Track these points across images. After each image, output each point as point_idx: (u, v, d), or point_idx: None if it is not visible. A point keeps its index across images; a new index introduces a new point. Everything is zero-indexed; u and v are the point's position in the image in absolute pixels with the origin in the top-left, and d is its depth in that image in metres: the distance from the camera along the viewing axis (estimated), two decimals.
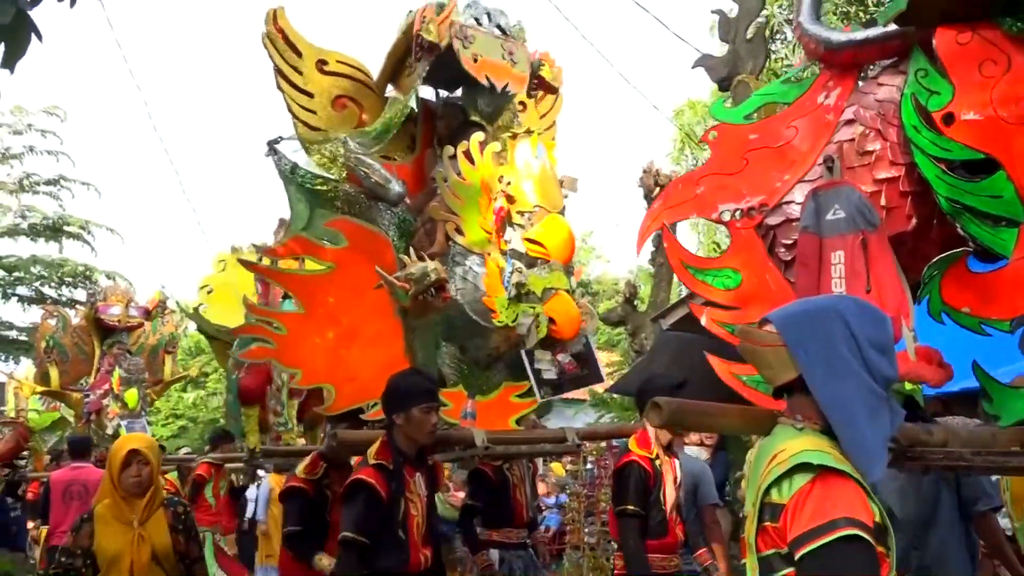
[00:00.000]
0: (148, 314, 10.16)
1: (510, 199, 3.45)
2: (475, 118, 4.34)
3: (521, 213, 3.42)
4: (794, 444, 1.60)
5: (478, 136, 3.83)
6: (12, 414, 11.17)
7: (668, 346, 8.97)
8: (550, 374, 3.37)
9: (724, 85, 3.72)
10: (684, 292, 10.42)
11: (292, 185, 3.94)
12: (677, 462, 3.77)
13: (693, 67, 4.42)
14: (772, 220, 2.95)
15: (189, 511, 3.44)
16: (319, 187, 3.88)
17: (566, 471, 9.85)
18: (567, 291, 3.46)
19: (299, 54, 4.05)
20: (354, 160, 3.80)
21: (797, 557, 1.50)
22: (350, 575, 3.03)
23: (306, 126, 4.03)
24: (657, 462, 3.62)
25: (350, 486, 3.11)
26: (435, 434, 3.17)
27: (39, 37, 2.55)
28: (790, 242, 2.90)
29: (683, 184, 3.16)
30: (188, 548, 3.32)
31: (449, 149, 3.85)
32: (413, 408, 3.09)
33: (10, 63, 2.52)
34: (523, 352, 3.49)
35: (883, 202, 2.79)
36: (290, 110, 4.02)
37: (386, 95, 4.37)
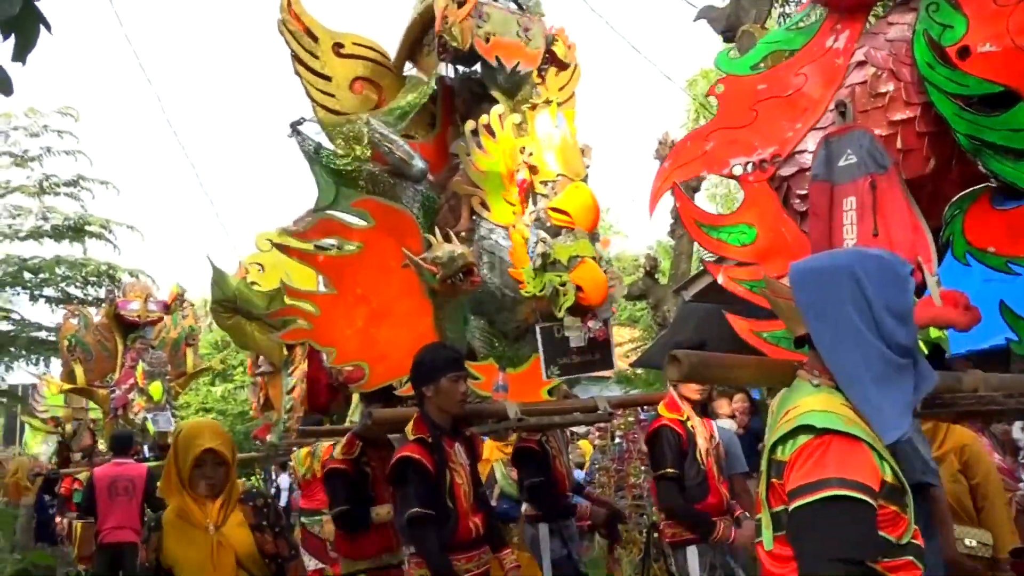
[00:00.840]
0: (167, 308, 10.30)
1: (532, 169, 3.44)
2: (494, 92, 4.31)
3: (544, 183, 3.40)
4: (807, 402, 1.59)
5: (498, 109, 3.84)
6: (61, 413, 11.35)
7: (691, 317, 8.91)
8: (578, 341, 3.35)
9: (728, 36, 3.62)
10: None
11: (317, 165, 3.95)
12: (713, 423, 3.73)
13: (695, 19, 4.28)
14: (785, 171, 2.89)
15: (271, 503, 2.95)
16: (342, 167, 3.88)
17: (594, 447, 9.83)
18: (593, 258, 3.43)
19: (315, 39, 4.06)
20: (378, 136, 3.80)
21: (789, 512, 1.50)
22: (431, 549, 3.01)
23: (326, 110, 4.04)
24: (689, 423, 3.60)
25: (397, 465, 3.10)
26: (465, 403, 3.17)
27: (48, 28, 2.51)
28: (805, 192, 2.84)
29: (692, 141, 3.10)
30: (278, 546, 2.83)
31: (471, 123, 3.85)
32: (441, 379, 3.09)
33: (21, 55, 2.49)
34: (537, 328, 3.47)
35: (899, 145, 2.72)
36: (309, 95, 4.03)
37: (404, 74, 4.38)
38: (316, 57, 4.06)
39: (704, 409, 3.67)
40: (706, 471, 3.58)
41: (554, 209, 3.36)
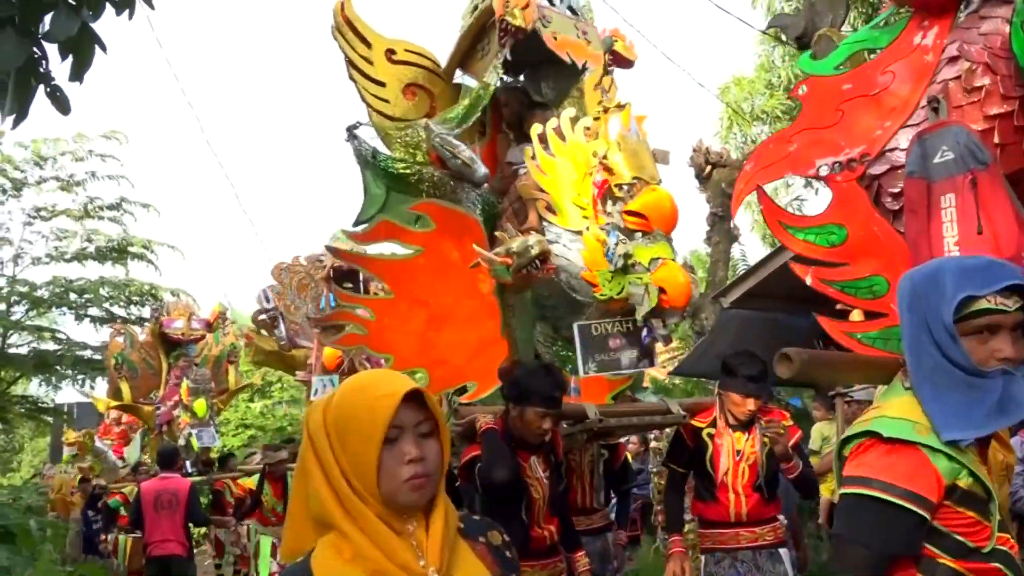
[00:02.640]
0: (210, 326, 10.36)
1: (609, 172, 3.30)
2: (539, 99, 4.25)
3: (619, 186, 3.27)
4: (889, 406, 1.61)
5: (568, 112, 3.70)
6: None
7: (730, 325, 8.77)
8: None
9: (803, 43, 3.54)
10: (741, 270, 10.17)
11: (370, 170, 3.83)
12: (748, 437, 3.60)
13: (768, 27, 4.18)
14: (876, 170, 2.79)
15: (510, 540, 1.52)
16: (402, 171, 3.77)
17: (630, 455, 9.69)
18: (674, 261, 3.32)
19: (368, 44, 3.98)
20: (439, 141, 3.69)
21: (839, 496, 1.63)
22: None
23: (381, 115, 3.95)
24: (705, 432, 3.60)
25: (465, 465, 3.14)
26: (544, 436, 3.11)
27: (103, 49, 2.57)
28: (897, 191, 2.74)
29: (774, 143, 3.00)
30: None
31: (538, 127, 3.72)
32: (528, 407, 3.05)
33: (78, 75, 2.56)
34: (575, 326, 3.38)
35: (996, 139, 2.61)
36: (364, 100, 3.95)
37: (455, 81, 4.29)
38: (370, 63, 3.98)
39: (749, 425, 3.59)
40: (715, 480, 3.55)
41: (629, 212, 3.24)
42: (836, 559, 1.60)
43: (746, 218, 11.51)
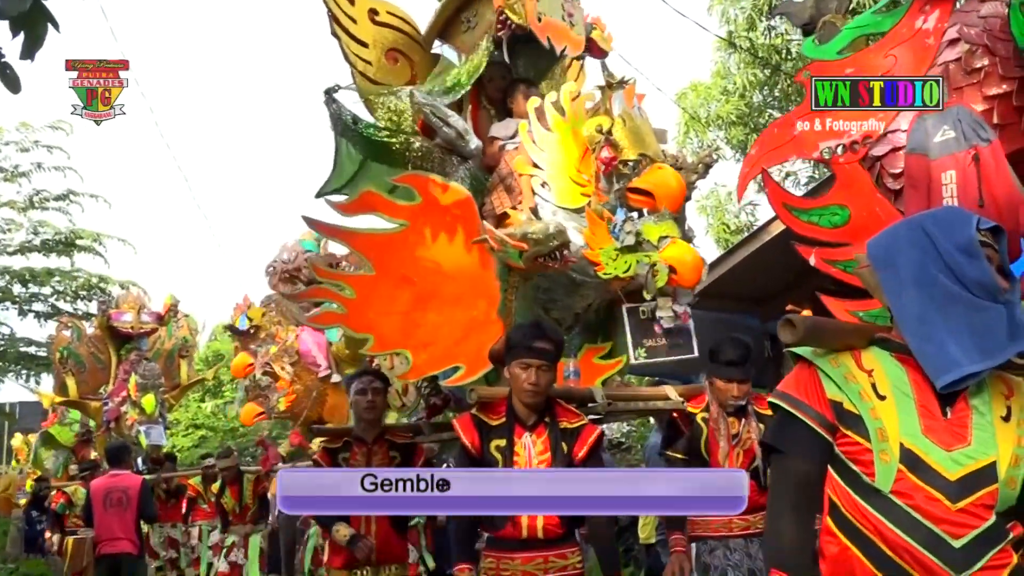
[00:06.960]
0: (161, 319, 9.87)
1: (615, 148, 3.12)
2: (517, 76, 4.02)
3: (624, 163, 3.10)
4: None
5: (569, 87, 3.49)
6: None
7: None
8: (669, 323, 3.11)
9: (808, 29, 3.53)
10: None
11: (347, 137, 3.53)
12: (744, 422, 3.52)
13: (773, 14, 4.17)
14: (878, 151, 2.80)
15: None
16: (386, 139, 3.48)
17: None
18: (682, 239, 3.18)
19: (351, 1, 3.71)
20: (429, 109, 3.42)
21: None
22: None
23: (364, 78, 3.66)
24: (699, 417, 3.53)
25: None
26: (537, 394, 2.85)
27: (56, 27, 2.49)
28: (898, 171, 2.76)
29: (779, 127, 2.99)
30: None
31: (535, 100, 3.49)
32: (512, 362, 2.82)
33: (30, 53, 2.51)
34: (624, 308, 3.21)
35: (996, 119, 2.66)
36: (347, 59, 3.66)
37: (434, 51, 4.03)
38: (353, 21, 3.70)
39: (744, 408, 3.52)
40: (711, 464, 3.48)
41: (633, 189, 3.06)
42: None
43: (700, 221, 11.59)
